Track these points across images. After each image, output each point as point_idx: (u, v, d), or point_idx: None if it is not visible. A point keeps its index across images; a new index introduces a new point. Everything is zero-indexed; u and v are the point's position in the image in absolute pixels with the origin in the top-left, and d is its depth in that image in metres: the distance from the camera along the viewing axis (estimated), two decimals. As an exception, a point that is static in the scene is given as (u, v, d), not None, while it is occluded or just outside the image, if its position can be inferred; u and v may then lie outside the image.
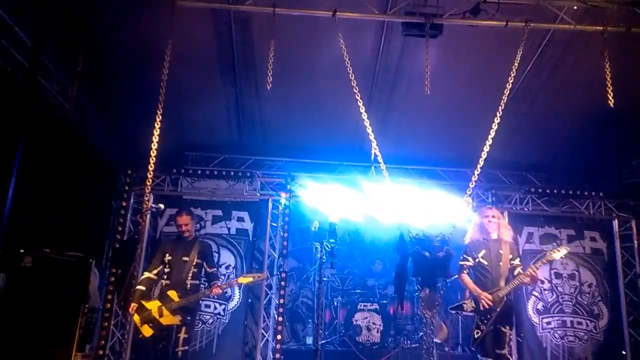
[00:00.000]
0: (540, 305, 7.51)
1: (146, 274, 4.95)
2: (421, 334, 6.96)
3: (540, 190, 7.81)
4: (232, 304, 7.28)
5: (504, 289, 4.77)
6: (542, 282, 7.39)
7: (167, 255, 4.90)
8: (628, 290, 7.52)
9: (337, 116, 6.82)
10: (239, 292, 7.33)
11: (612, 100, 4.73)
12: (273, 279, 7.45)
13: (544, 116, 6.90)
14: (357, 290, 8.28)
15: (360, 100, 4.71)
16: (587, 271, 7.60)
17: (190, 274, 4.84)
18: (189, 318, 4.76)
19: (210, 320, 7.17)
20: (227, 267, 7.42)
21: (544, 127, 7.13)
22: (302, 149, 7.79)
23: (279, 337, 7.00)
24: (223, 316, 7.21)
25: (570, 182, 7.87)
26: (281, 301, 7.18)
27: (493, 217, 5.03)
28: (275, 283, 7.42)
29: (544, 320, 7.42)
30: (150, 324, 4.66)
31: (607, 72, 4.77)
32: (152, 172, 4.89)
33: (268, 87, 4.81)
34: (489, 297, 4.73)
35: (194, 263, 4.89)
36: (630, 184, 7.79)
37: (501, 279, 4.86)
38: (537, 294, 7.56)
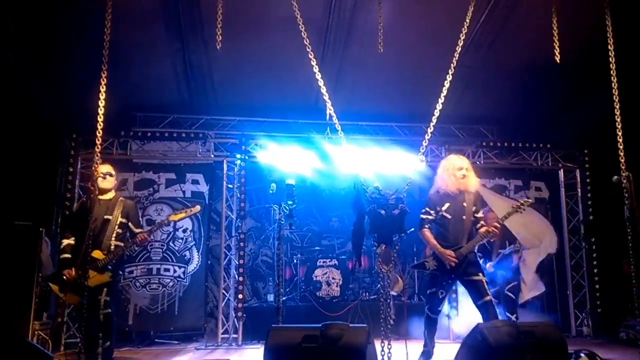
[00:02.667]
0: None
1: (65, 241, 4.64)
2: (378, 286, 7.19)
3: (491, 144, 8.02)
4: (192, 267, 7.28)
5: (467, 246, 4.65)
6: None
7: (88, 218, 4.41)
8: (571, 236, 7.95)
9: (290, 73, 6.67)
10: (198, 254, 7.31)
11: (558, 56, 4.80)
12: (232, 240, 7.44)
13: (495, 70, 6.98)
14: (316, 247, 8.39)
15: (313, 57, 4.60)
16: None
17: (114, 235, 4.61)
18: (112, 277, 4.55)
19: (171, 284, 7.16)
20: (184, 231, 7.37)
21: (496, 81, 7.23)
22: (255, 107, 7.63)
23: (240, 296, 7.06)
24: (183, 279, 7.21)
25: (520, 135, 8.10)
26: (241, 262, 7.21)
27: (465, 169, 4.83)
28: (234, 244, 7.41)
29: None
30: (75, 290, 4.42)
31: (555, 27, 4.82)
32: (100, 136, 4.64)
33: (218, 47, 4.61)
34: (453, 255, 4.60)
35: (118, 222, 4.64)
36: (575, 136, 8.10)
37: (464, 234, 4.74)
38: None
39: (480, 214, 4.90)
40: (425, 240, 4.89)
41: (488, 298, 4.56)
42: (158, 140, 7.52)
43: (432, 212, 4.82)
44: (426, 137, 4.56)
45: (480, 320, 4.42)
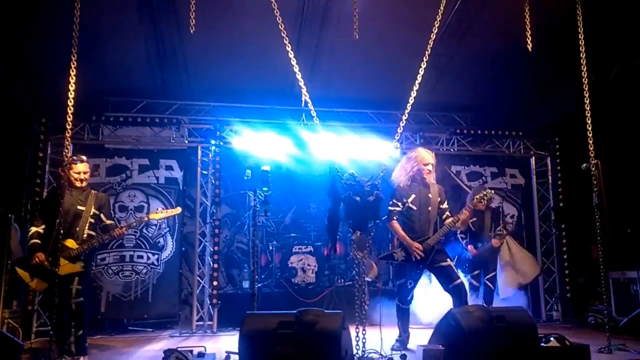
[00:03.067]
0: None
1: (34, 229, 4.55)
2: (354, 272, 7.25)
3: (465, 131, 8.12)
4: (166, 254, 7.20)
5: (433, 238, 4.79)
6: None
7: (59, 205, 4.38)
8: (542, 222, 8.14)
9: (265, 59, 6.59)
10: (172, 241, 7.24)
11: (531, 45, 4.87)
12: (206, 227, 7.39)
13: (469, 58, 7.05)
14: (292, 234, 8.40)
15: (289, 43, 4.56)
16: (509, 205, 8.13)
17: (87, 224, 4.57)
18: (84, 267, 4.52)
19: (144, 271, 7.08)
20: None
21: (469, 69, 7.30)
22: (230, 92, 7.53)
23: (215, 282, 7.04)
24: (157, 266, 7.13)
25: (493, 123, 8.22)
26: (216, 248, 7.17)
27: (431, 165, 4.96)
28: (209, 231, 7.36)
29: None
30: (45, 277, 4.38)
31: (527, 16, 4.88)
32: (71, 120, 4.51)
33: (192, 31, 4.53)
34: (420, 247, 4.73)
35: (91, 213, 4.60)
36: (546, 124, 8.26)
37: (430, 225, 4.88)
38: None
39: (445, 205, 5.03)
40: (393, 232, 5.02)
41: (458, 281, 4.71)
42: (131, 126, 7.37)
43: (399, 203, 4.94)
44: (401, 124, 4.59)
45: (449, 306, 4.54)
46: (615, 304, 6.37)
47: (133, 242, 7.11)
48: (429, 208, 4.90)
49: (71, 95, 4.31)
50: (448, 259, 4.85)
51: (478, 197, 5.38)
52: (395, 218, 4.96)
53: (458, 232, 6.23)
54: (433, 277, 5.25)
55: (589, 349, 3.77)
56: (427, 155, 5.02)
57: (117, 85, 7.37)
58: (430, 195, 4.93)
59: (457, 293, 4.66)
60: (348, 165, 5.24)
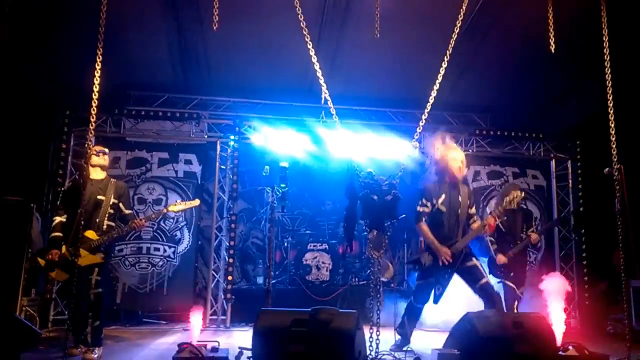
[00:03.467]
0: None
1: (58, 219, 4.60)
2: (368, 272, 7.23)
3: (484, 132, 8.03)
4: (182, 247, 7.26)
5: (461, 242, 4.63)
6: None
7: (81, 196, 4.41)
8: (561, 226, 8.01)
9: (285, 55, 6.60)
10: (189, 235, 7.30)
11: (553, 46, 4.77)
12: (223, 221, 7.43)
13: (490, 58, 6.94)
14: (307, 231, 8.40)
15: (310, 40, 4.55)
16: (533, 205, 8.00)
17: (106, 215, 4.60)
18: (104, 258, 4.55)
19: (160, 263, 7.15)
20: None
21: (490, 69, 7.19)
22: (250, 89, 7.56)
23: (229, 277, 7.08)
24: (173, 259, 7.20)
25: (513, 124, 8.11)
26: (231, 243, 7.21)
27: (462, 162, 4.79)
28: (225, 225, 7.40)
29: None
30: (65, 268, 4.42)
31: (550, 17, 4.78)
32: (95, 113, 4.56)
33: (214, 28, 4.54)
34: (449, 252, 4.55)
35: (110, 203, 4.62)
36: (568, 126, 8.11)
37: (459, 228, 4.69)
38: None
39: (473, 209, 4.86)
40: (422, 234, 4.81)
41: (484, 280, 4.54)
42: (152, 119, 7.45)
43: (428, 204, 4.75)
44: (420, 123, 4.54)
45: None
46: (636, 314, 6.23)
47: (150, 235, 7.19)
48: (459, 211, 4.71)
49: (96, 89, 4.35)
50: (474, 259, 4.68)
51: (508, 199, 4.91)
52: (424, 219, 4.77)
53: (487, 236, 5.80)
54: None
55: (609, 359, 3.70)
56: (459, 153, 4.84)
57: (139, 80, 7.44)
58: (460, 197, 4.74)
59: (485, 293, 4.50)
60: (366, 163, 5.22)
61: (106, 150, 4.85)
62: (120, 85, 7.29)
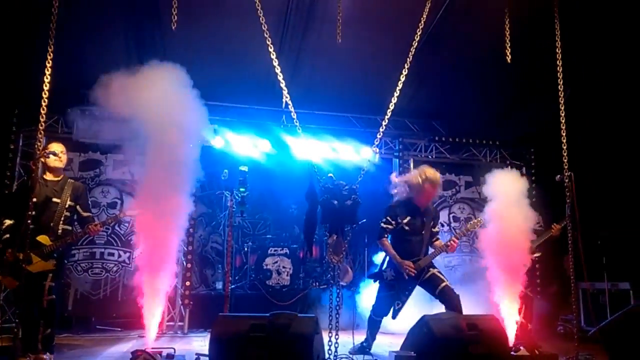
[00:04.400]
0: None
1: (7, 222, 4.34)
2: (329, 276, 7.23)
3: (443, 139, 8.21)
4: (138, 252, 7.06)
5: (425, 259, 4.77)
6: (442, 226, 7.88)
7: (33, 197, 4.21)
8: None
9: (246, 58, 6.54)
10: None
11: (510, 57, 4.94)
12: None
13: (449, 66, 7.11)
14: (268, 235, 8.34)
15: (271, 44, 4.53)
16: (481, 214, 8.18)
17: (62, 218, 4.38)
18: (57, 264, 4.33)
19: (115, 269, 6.94)
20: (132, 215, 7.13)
21: (449, 77, 7.36)
22: (210, 91, 7.42)
23: (187, 283, 6.94)
24: (128, 264, 6.99)
25: (471, 131, 8.31)
26: (190, 248, 7.07)
27: (439, 186, 4.94)
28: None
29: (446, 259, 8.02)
30: (15, 275, 4.15)
31: (507, 29, 4.94)
32: (45, 112, 4.38)
33: (173, 27, 4.46)
34: (412, 266, 4.68)
35: (66, 206, 4.41)
36: (523, 134, 8.38)
37: (423, 246, 4.84)
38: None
39: (436, 229, 5.02)
40: (384, 249, 4.92)
41: (444, 284, 4.66)
42: (107, 120, 7.22)
43: (392, 222, 4.87)
44: (380, 129, 4.60)
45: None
46: (585, 315, 6.49)
47: (104, 239, 6.97)
48: (423, 231, 4.87)
49: (46, 87, 4.20)
50: (431, 269, 4.81)
51: (470, 225, 5.21)
52: (386, 236, 4.90)
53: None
54: None
55: (558, 358, 3.83)
56: (436, 177, 4.93)
57: (95, 79, 7.20)
58: (425, 218, 4.90)
59: (444, 296, 4.61)
60: (327, 168, 5.24)
61: (63, 149, 4.61)
62: (74, 84, 7.03)
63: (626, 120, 6.82)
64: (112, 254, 6.97)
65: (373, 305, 4.99)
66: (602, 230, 6.68)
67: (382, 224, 4.91)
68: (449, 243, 4.82)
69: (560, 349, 4.39)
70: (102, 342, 5.81)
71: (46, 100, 4.22)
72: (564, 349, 4.57)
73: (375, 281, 5.04)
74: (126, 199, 7.08)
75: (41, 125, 4.26)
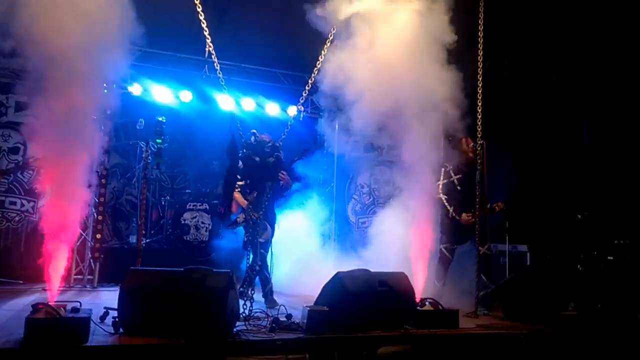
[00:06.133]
0: (358, 207, 8.30)
1: None
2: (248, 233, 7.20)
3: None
4: (44, 202, 6.64)
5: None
6: (362, 187, 8.08)
7: None
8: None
9: (169, 1, 6.17)
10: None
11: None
12: (92, 176, 6.87)
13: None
14: (187, 190, 8.13)
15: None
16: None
17: None
18: None
19: (17, 219, 6.49)
20: (34, 161, 6.64)
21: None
22: (128, 34, 6.96)
23: (98, 235, 6.63)
24: (32, 213, 6.56)
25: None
26: (101, 200, 6.72)
27: None
28: (94, 180, 6.86)
29: (360, 220, 8.25)
30: None
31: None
32: None
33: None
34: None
35: None
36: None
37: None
38: (356, 197, 8.30)
39: None
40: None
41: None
42: (9, 57, 6.57)
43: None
44: (306, 87, 4.55)
45: None
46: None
47: (5, 187, 6.46)
48: None
49: None
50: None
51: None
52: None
53: None
54: None
55: (458, 313, 4.13)
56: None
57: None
58: None
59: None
60: (251, 123, 5.14)
61: None
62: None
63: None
64: (14, 203, 6.50)
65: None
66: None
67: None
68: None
69: (461, 304, 4.71)
70: (2, 295, 5.46)
71: None
72: (466, 304, 4.91)
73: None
74: (30, 144, 6.55)
75: None
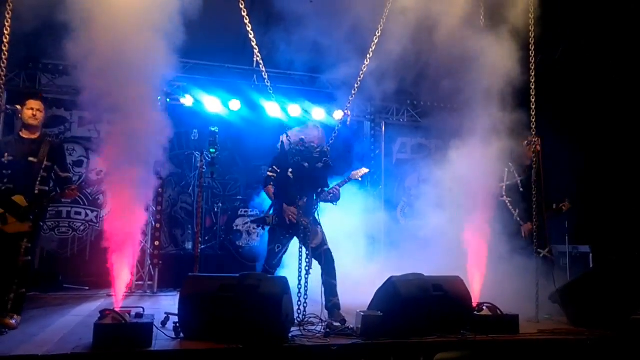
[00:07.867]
0: (407, 209, 8.22)
1: None
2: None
3: (415, 102, 8.20)
4: (106, 211, 6.96)
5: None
6: (410, 189, 8.00)
7: (7, 155, 4.09)
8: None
9: (217, 14, 6.33)
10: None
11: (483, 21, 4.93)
12: (152, 177, 7.14)
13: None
14: (239, 197, 8.31)
15: (242, 0, 4.38)
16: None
17: (39, 179, 4.18)
18: (33, 226, 4.17)
19: (82, 228, 6.83)
20: (98, 174, 6.97)
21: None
22: (180, 48, 7.20)
23: (156, 242, 6.89)
24: (96, 223, 6.89)
25: (442, 95, 8.31)
26: (158, 208, 6.98)
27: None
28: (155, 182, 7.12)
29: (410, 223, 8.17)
30: None
31: None
32: (4, 65, 4.16)
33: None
34: (294, 211, 4.60)
35: (44, 166, 4.20)
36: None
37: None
38: (405, 199, 8.23)
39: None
40: (268, 196, 4.87)
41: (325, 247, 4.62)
42: (71, 75, 6.95)
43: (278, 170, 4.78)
44: (352, 92, 4.56)
45: None
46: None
47: (71, 199, 6.81)
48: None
49: (6, 40, 3.98)
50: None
51: (353, 173, 5.20)
52: (271, 183, 4.82)
53: None
54: None
55: (518, 318, 3.98)
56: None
57: (56, 30, 6.86)
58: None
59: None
60: (298, 130, 5.17)
61: (40, 106, 4.31)
62: (34, 36, 6.70)
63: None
64: (79, 213, 6.85)
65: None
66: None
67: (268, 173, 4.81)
68: (330, 192, 4.77)
69: (521, 309, 4.55)
70: (70, 301, 5.76)
71: (6, 53, 4.02)
72: (525, 309, 4.75)
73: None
74: (92, 157, 6.90)
75: (1, 80, 4.06)
